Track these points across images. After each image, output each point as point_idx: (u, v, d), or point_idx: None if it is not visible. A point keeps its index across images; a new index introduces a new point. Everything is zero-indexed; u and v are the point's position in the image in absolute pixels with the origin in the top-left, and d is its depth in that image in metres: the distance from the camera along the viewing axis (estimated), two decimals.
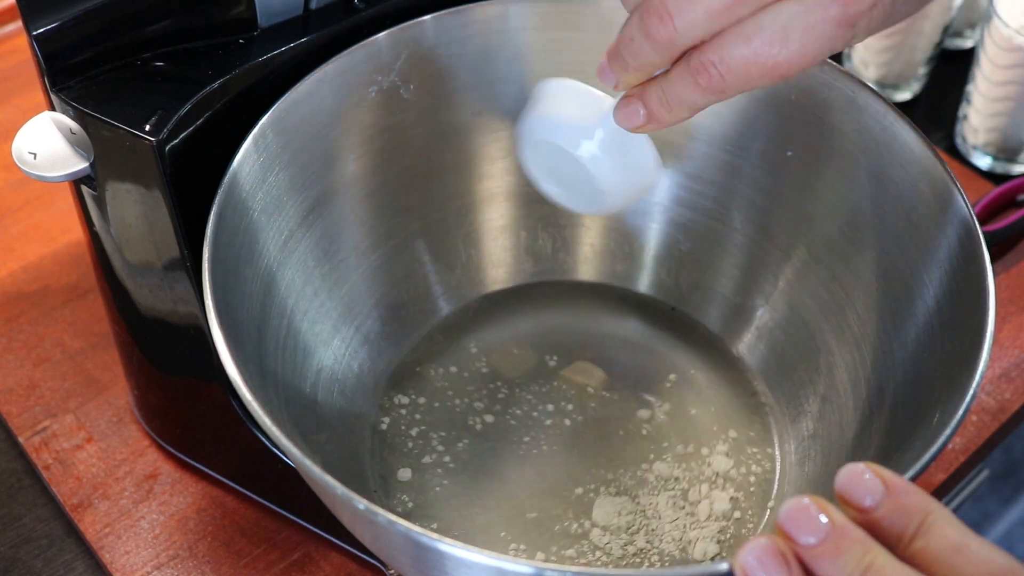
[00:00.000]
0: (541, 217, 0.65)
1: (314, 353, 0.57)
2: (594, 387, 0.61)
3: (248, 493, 0.62)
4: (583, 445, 0.59)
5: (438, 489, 0.57)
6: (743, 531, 0.56)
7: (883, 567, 0.33)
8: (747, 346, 0.63)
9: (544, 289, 0.66)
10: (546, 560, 0.55)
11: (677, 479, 0.58)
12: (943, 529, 0.34)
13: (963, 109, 0.81)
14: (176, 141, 0.49)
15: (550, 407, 0.61)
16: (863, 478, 0.35)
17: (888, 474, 0.35)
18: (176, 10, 0.51)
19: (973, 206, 0.50)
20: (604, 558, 0.55)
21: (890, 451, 0.50)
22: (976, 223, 0.49)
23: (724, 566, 0.37)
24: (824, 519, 0.34)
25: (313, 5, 0.54)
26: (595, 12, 0.59)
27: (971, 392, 0.43)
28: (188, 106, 0.49)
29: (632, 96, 0.45)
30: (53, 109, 0.50)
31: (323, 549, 0.60)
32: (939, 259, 0.51)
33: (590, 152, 0.49)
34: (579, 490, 0.57)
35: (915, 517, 0.34)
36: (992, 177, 0.80)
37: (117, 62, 0.50)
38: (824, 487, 0.54)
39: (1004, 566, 0.33)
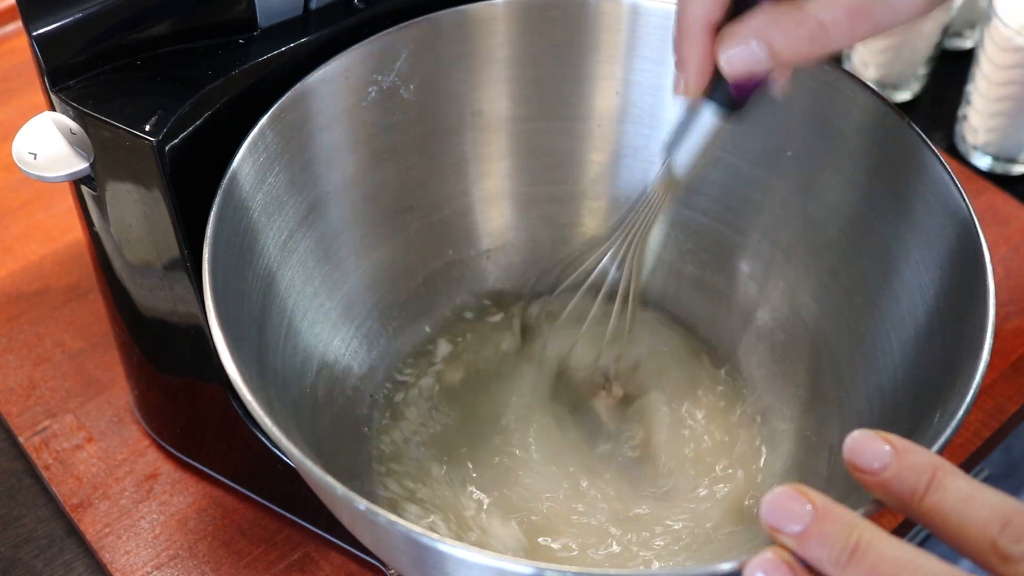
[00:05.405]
0: (541, 217, 0.65)
1: (314, 353, 0.57)
2: (593, 386, 0.61)
3: (248, 493, 0.62)
4: (583, 442, 0.59)
5: (441, 484, 0.57)
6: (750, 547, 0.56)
7: (871, 542, 0.34)
8: (747, 346, 0.63)
9: (544, 289, 0.66)
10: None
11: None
12: (954, 482, 0.35)
13: (963, 109, 0.81)
14: (176, 141, 0.49)
15: (550, 406, 0.61)
16: (870, 443, 0.36)
17: (893, 437, 0.37)
18: (176, 10, 0.51)
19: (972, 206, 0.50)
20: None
21: None
22: (976, 223, 0.49)
23: (725, 566, 0.37)
24: (806, 505, 0.35)
25: (313, 5, 0.54)
26: (593, 13, 0.59)
27: (971, 392, 0.43)
28: (188, 106, 0.49)
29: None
30: (53, 109, 0.50)
31: (323, 549, 0.60)
32: (939, 259, 0.51)
33: None
34: (592, 457, 0.58)
35: (924, 474, 0.35)
36: (992, 177, 0.80)
37: (117, 62, 0.50)
38: (824, 487, 0.54)
39: (1014, 508, 0.34)
